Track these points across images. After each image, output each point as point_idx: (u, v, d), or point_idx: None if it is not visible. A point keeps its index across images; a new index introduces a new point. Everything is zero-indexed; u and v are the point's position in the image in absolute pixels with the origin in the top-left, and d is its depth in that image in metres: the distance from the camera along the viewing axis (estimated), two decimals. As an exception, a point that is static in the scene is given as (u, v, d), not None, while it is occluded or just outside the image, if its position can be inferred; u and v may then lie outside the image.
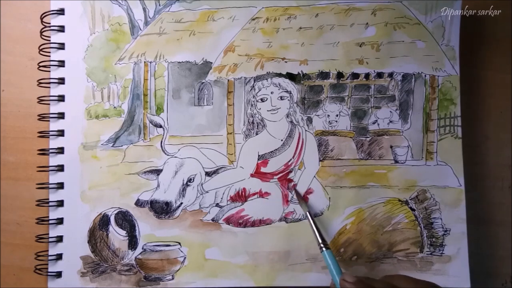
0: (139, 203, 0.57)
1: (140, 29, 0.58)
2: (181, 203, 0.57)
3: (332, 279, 0.50)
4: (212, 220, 0.57)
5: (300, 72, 0.58)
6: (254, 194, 0.57)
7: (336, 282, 0.49)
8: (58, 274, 0.55)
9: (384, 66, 0.58)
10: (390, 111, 0.58)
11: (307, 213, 0.55)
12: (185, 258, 0.56)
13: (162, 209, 0.57)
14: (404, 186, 0.57)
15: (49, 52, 0.57)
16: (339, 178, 0.57)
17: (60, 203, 0.56)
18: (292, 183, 0.57)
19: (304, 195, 0.57)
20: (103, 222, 0.56)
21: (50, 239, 0.56)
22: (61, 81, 0.57)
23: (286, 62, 0.58)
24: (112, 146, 0.57)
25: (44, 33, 0.57)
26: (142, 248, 0.56)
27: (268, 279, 0.56)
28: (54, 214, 0.56)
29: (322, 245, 0.51)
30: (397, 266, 0.56)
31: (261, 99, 0.58)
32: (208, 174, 0.57)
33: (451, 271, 0.56)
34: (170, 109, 0.58)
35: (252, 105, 0.58)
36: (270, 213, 0.57)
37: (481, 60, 0.60)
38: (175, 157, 0.57)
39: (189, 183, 0.57)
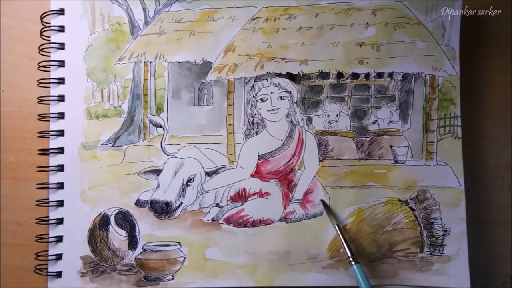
0: (139, 203, 0.57)
1: (140, 29, 0.58)
2: (181, 203, 0.57)
3: None
4: (212, 220, 0.57)
5: (300, 72, 0.58)
6: (254, 194, 0.57)
7: None
8: (58, 274, 0.55)
9: (384, 66, 0.58)
10: (390, 111, 0.58)
11: (336, 226, 0.55)
12: (185, 258, 0.56)
13: (162, 209, 0.57)
14: (404, 186, 0.57)
15: (49, 52, 0.57)
16: (339, 178, 0.57)
17: (60, 203, 0.56)
18: (292, 183, 0.57)
19: (304, 195, 0.57)
20: (103, 222, 0.56)
21: (50, 239, 0.56)
22: (61, 81, 0.57)
23: (286, 62, 0.58)
24: (112, 146, 0.57)
25: (44, 33, 0.57)
26: (142, 248, 0.56)
27: (268, 279, 0.56)
28: (54, 214, 0.56)
29: (351, 259, 0.52)
30: (397, 266, 0.56)
31: (261, 99, 0.58)
32: (208, 174, 0.57)
33: (451, 271, 0.56)
34: (170, 109, 0.58)
35: (252, 105, 0.58)
36: (270, 213, 0.57)
37: (481, 60, 0.60)
38: (175, 157, 0.57)
39: (189, 183, 0.57)
